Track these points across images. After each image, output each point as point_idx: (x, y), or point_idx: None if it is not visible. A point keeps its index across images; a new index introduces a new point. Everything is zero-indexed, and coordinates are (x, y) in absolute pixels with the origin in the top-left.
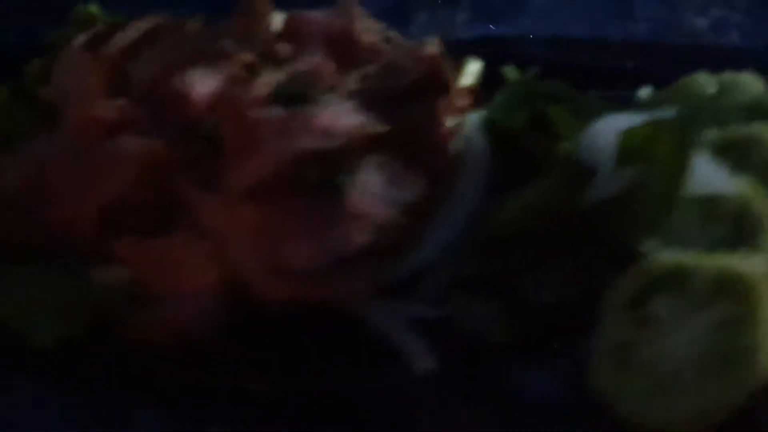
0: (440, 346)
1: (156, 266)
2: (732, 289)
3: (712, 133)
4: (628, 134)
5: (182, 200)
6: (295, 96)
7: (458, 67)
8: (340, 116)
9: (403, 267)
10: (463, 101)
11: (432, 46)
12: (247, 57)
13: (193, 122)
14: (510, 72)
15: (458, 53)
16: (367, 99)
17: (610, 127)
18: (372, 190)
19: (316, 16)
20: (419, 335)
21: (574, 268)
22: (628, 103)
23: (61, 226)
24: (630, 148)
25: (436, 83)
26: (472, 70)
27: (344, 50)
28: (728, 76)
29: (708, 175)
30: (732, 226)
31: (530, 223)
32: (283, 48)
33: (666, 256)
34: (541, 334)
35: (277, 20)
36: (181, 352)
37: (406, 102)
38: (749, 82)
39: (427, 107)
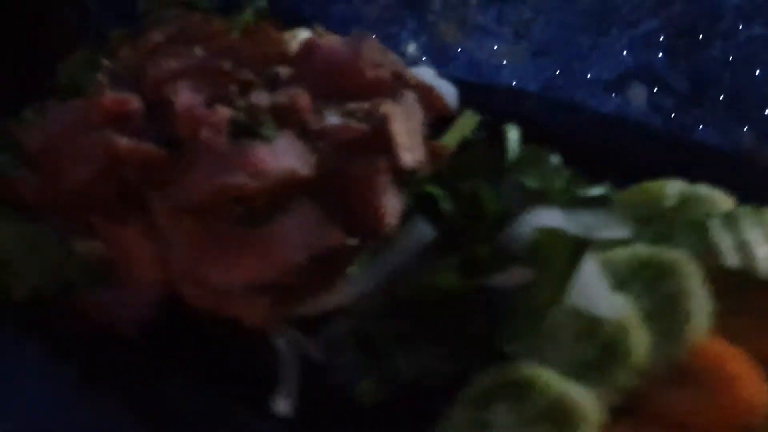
0: (311, 391)
1: (114, 252)
2: (561, 418)
3: (637, 249)
4: (538, 233)
5: (143, 198)
6: (248, 128)
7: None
8: (278, 156)
9: (312, 307)
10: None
11: (386, 106)
12: (246, 75)
13: (173, 130)
14: (511, 131)
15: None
16: (319, 142)
17: (536, 222)
18: (288, 233)
19: (330, 42)
20: (296, 376)
21: (449, 351)
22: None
23: (55, 192)
24: (536, 247)
25: (381, 142)
26: (465, 124)
27: (343, 81)
28: (695, 188)
29: (592, 293)
30: (599, 350)
31: (427, 297)
32: (284, 71)
33: (517, 367)
34: (405, 405)
35: (300, 37)
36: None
37: (353, 153)
38: (715, 199)
39: (367, 163)
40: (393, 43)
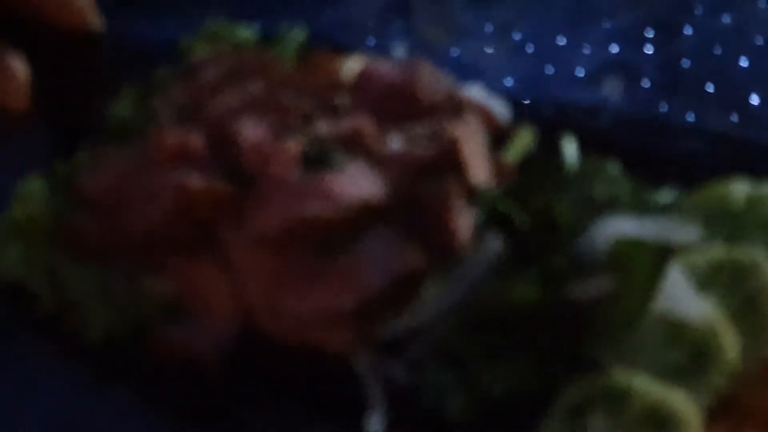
0: (401, 412)
1: (188, 287)
2: (660, 424)
3: (714, 252)
4: (617, 244)
5: (216, 234)
6: (319, 158)
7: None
8: (351, 185)
9: (392, 329)
10: (484, 179)
11: (453, 128)
12: (307, 106)
13: (240, 165)
14: (567, 144)
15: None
16: (389, 168)
17: (611, 231)
18: (366, 259)
19: (386, 68)
20: (384, 398)
21: (535, 364)
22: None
23: (122, 234)
24: (616, 257)
25: (451, 163)
26: (523, 139)
27: (401, 106)
28: (762, 187)
29: (678, 298)
30: (690, 354)
31: (509, 311)
32: (342, 99)
33: (611, 375)
34: (495, 422)
35: (354, 66)
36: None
37: (424, 175)
38: None
39: (439, 185)
40: (381, 47)
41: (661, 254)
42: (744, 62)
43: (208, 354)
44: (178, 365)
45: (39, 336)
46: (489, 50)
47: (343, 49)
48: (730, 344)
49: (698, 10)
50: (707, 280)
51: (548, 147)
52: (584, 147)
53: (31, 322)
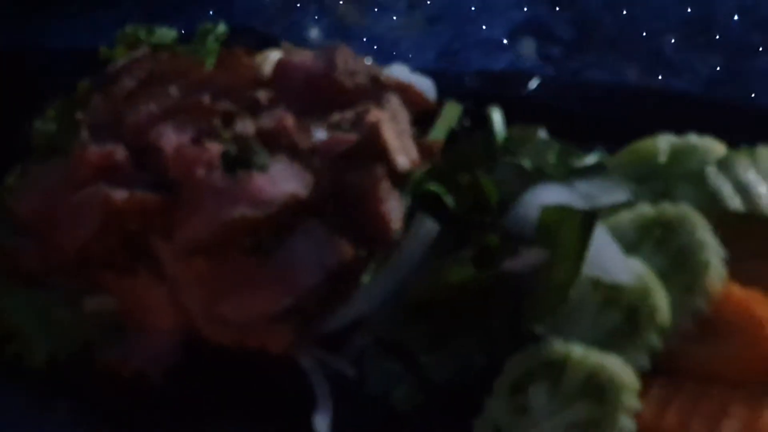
0: (348, 404)
1: (126, 302)
2: (598, 390)
3: (641, 210)
4: (545, 212)
5: (147, 246)
6: (242, 158)
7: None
8: (276, 183)
9: (331, 323)
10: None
11: (373, 113)
12: (227, 106)
13: (164, 173)
14: (494, 114)
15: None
16: (313, 160)
17: (539, 200)
18: (298, 256)
19: (302, 59)
20: (331, 392)
21: (475, 345)
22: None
23: (57, 254)
24: (545, 226)
25: (375, 149)
26: (449, 115)
27: (323, 94)
28: (686, 139)
29: (607, 261)
30: (624, 316)
31: (445, 294)
32: (263, 95)
33: (549, 346)
34: (442, 406)
35: (272, 60)
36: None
37: (349, 164)
38: (707, 147)
39: (364, 173)
40: (296, 29)
41: (588, 218)
42: (655, 15)
43: (153, 368)
44: (124, 381)
45: None
46: (404, 24)
47: (260, 37)
48: (663, 303)
49: None
50: (636, 239)
51: (475, 119)
52: (510, 115)
53: None
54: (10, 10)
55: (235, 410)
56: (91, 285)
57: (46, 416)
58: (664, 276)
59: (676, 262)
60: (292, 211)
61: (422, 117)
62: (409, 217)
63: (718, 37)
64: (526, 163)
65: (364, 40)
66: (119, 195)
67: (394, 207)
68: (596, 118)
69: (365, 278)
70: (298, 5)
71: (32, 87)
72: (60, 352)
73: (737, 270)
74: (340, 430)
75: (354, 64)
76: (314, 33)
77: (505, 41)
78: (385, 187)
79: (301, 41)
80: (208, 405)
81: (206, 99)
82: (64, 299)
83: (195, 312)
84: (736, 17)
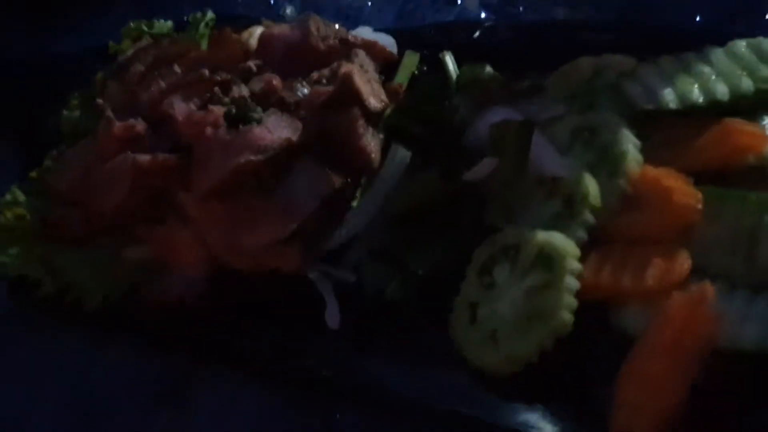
0: (351, 304)
1: (160, 247)
2: (548, 261)
3: (571, 120)
4: (494, 129)
5: (171, 198)
6: (241, 116)
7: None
8: (272, 132)
9: (333, 241)
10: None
11: (345, 66)
12: (223, 77)
13: (178, 137)
14: (447, 58)
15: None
16: (299, 111)
17: (490, 120)
18: (296, 189)
19: (282, 30)
20: (336, 297)
21: (449, 243)
22: None
23: (97, 217)
24: (495, 139)
25: (349, 95)
26: (409, 63)
27: (302, 57)
28: (603, 59)
29: (547, 161)
30: (564, 202)
31: (420, 205)
32: (252, 64)
33: (506, 233)
34: (428, 295)
35: (256, 35)
36: (178, 313)
37: (330, 110)
38: (620, 64)
39: (343, 116)
40: (273, 11)
41: (526, 127)
42: None
43: (188, 295)
44: (165, 310)
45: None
46: None
47: (244, 19)
48: (593, 188)
49: None
50: (569, 143)
51: (431, 64)
52: (460, 58)
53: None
54: (22, 24)
55: (260, 321)
56: (128, 238)
57: (104, 349)
58: (593, 168)
59: (601, 155)
60: (287, 153)
61: (387, 67)
62: (385, 148)
63: None
64: (477, 93)
65: (332, 12)
66: (143, 159)
67: (370, 141)
68: (531, 52)
69: (354, 202)
70: None
71: (54, 86)
72: (111, 295)
73: (650, 155)
74: (347, 323)
75: (325, 29)
76: (289, 11)
77: None
78: (362, 125)
79: (279, 19)
80: (236, 319)
81: (205, 72)
82: (108, 252)
83: (216, 246)
84: None
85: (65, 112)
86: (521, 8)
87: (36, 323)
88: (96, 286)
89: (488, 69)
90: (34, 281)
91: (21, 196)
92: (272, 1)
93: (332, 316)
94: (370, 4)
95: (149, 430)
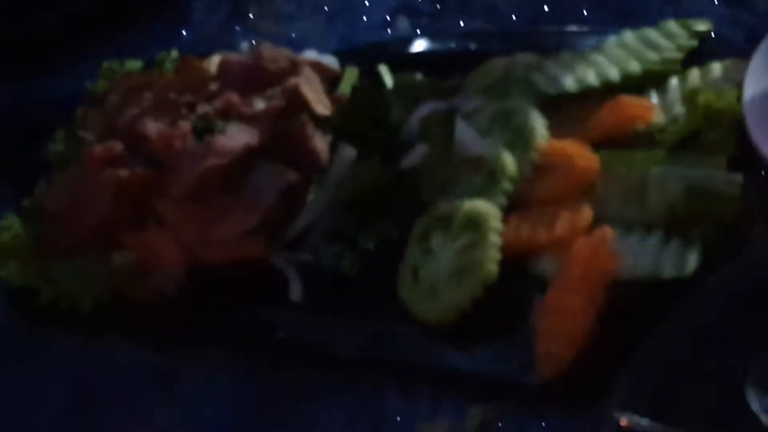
0: (311, 281)
1: (142, 250)
2: (475, 224)
3: (490, 108)
4: (424, 121)
5: (149, 205)
6: (206, 129)
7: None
8: (233, 139)
9: (292, 229)
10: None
11: (293, 80)
12: (188, 99)
13: (152, 153)
14: (382, 70)
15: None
16: (255, 121)
17: (421, 114)
18: (258, 186)
19: (238, 57)
20: (299, 275)
21: (392, 220)
22: None
23: (84, 229)
24: (425, 129)
25: (299, 105)
26: (349, 76)
27: (256, 77)
28: (513, 58)
29: (470, 142)
30: (487, 175)
31: (365, 190)
32: (214, 86)
33: (439, 206)
34: (374, 267)
35: (215, 62)
36: (161, 306)
37: (283, 118)
38: (527, 60)
39: (294, 122)
40: (231, 46)
41: (449, 116)
42: None
43: (169, 290)
44: (150, 305)
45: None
46: (309, 26)
47: (204, 55)
48: (510, 162)
49: None
50: (488, 127)
51: (369, 77)
52: (394, 69)
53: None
54: (9, 74)
55: (234, 302)
56: (113, 245)
57: (96, 345)
58: (509, 145)
59: (516, 134)
60: (248, 156)
61: (331, 83)
62: (333, 147)
63: None
64: (410, 96)
65: (283, 41)
66: (123, 173)
67: (319, 142)
68: (454, 58)
69: (309, 196)
70: (229, 31)
71: (41, 127)
72: (101, 298)
73: (556, 131)
74: (308, 297)
75: (276, 53)
76: (244, 46)
77: (388, 18)
78: (311, 128)
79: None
80: (212, 304)
81: (173, 96)
82: (96, 260)
83: (191, 243)
84: None
85: (51, 145)
86: (445, 25)
87: (35, 328)
88: (87, 291)
89: (419, 76)
90: (33, 291)
91: (16, 221)
92: (228, 41)
93: (295, 293)
94: (314, 33)
95: (141, 413)
